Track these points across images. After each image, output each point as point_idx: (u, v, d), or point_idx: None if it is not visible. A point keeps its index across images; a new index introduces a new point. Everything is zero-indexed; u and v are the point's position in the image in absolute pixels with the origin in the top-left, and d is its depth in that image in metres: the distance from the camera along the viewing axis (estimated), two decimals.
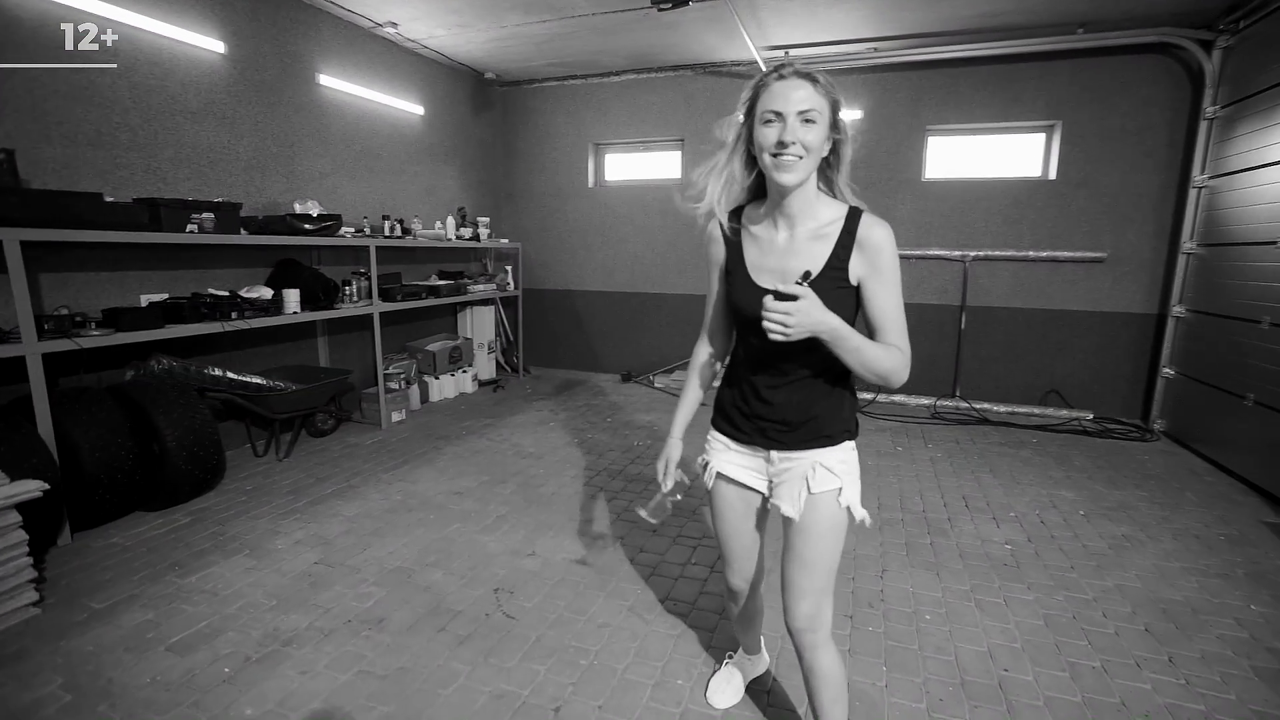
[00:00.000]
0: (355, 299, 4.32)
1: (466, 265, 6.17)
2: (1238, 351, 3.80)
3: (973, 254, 5.05)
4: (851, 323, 1.28)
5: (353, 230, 4.36)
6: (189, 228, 3.18)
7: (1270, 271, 3.56)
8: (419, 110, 5.32)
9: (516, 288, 6.14)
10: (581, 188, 6.28)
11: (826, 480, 1.36)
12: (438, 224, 5.34)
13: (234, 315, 3.39)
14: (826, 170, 1.32)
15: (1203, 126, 4.26)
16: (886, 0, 4.03)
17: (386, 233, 4.69)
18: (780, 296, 1.12)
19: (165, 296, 3.36)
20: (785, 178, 1.21)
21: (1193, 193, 4.34)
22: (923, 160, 5.16)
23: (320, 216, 3.98)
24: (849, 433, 1.41)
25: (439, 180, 5.69)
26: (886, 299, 1.27)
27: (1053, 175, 4.85)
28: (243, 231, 3.57)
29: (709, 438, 1.59)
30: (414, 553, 2.74)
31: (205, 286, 3.60)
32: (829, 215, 1.29)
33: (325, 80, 4.41)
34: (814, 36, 4.72)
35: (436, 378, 5.28)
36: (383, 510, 3.16)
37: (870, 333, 1.29)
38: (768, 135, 1.20)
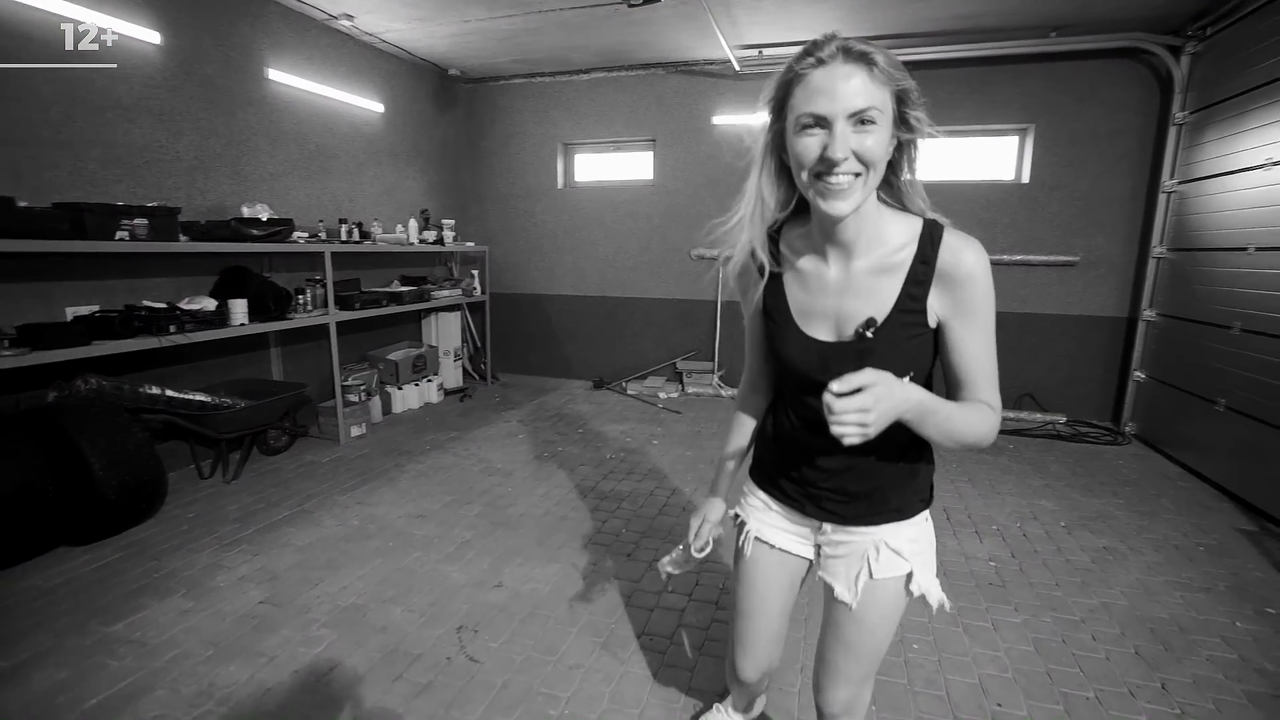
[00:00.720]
0: (310, 308, 4.07)
1: (431, 270, 5.92)
2: (1209, 356, 3.81)
3: None
4: (930, 373, 1.03)
5: (306, 235, 4.11)
6: (119, 235, 2.91)
7: (1240, 277, 3.57)
8: (378, 107, 5.07)
9: (484, 292, 5.92)
10: (550, 189, 6.09)
11: (893, 565, 1.11)
12: (399, 227, 5.09)
13: (172, 329, 3.13)
14: (889, 174, 0.98)
15: (1172, 132, 4.27)
16: (858, 0, 3.94)
17: (344, 237, 4.44)
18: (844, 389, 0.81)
19: (95, 309, 3.08)
20: (837, 206, 0.90)
21: (1162, 197, 4.36)
22: None
23: (270, 221, 3.72)
24: (924, 501, 1.15)
25: (400, 181, 5.44)
26: (977, 345, 0.97)
27: (1026, 179, 4.84)
28: (183, 238, 3.31)
29: (745, 490, 1.32)
30: (371, 587, 2.54)
31: (142, 297, 3.33)
32: (897, 237, 0.98)
33: (275, 75, 4.14)
34: (789, 36, 4.62)
35: (400, 388, 5.05)
36: (338, 538, 2.95)
37: (948, 383, 1.02)
38: (808, 149, 0.89)
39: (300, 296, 4.02)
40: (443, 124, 5.93)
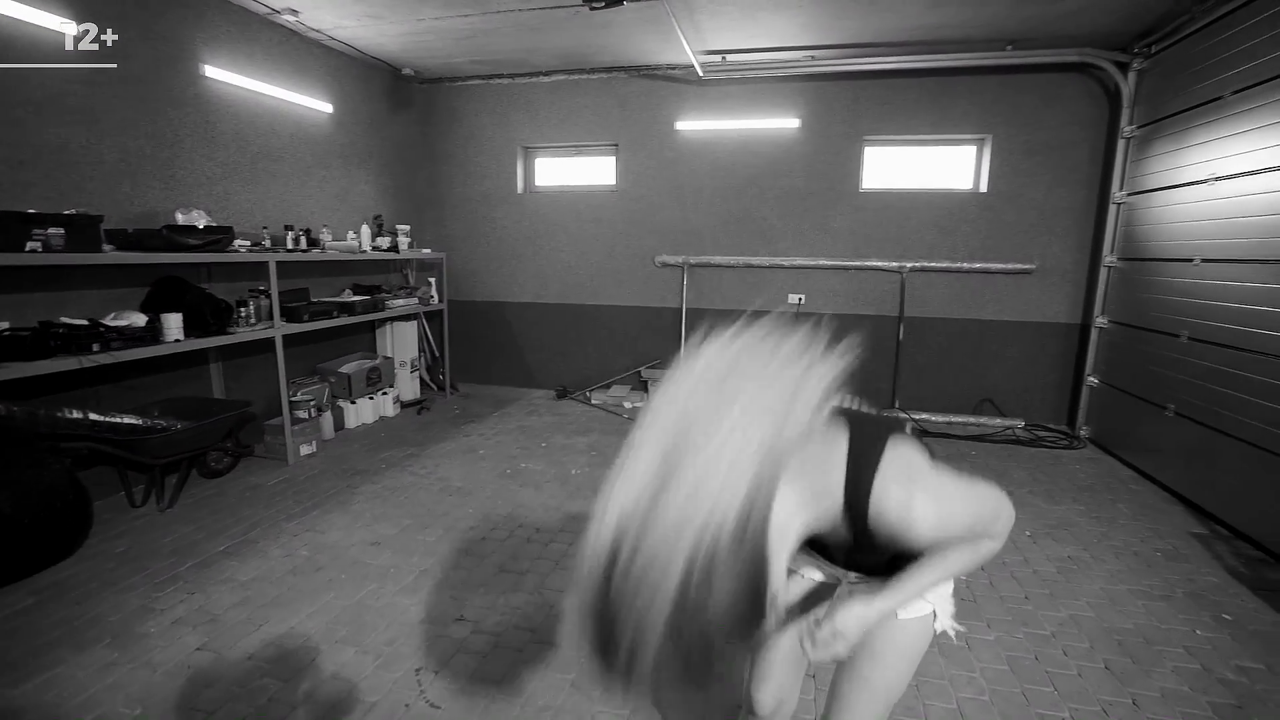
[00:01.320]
0: (253, 321, 3.82)
1: (385, 278, 5.68)
2: (1158, 363, 3.93)
3: (909, 265, 5.07)
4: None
5: (249, 243, 3.86)
6: (29, 246, 2.65)
7: (1187, 287, 3.69)
8: (326, 108, 4.82)
9: (441, 300, 5.71)
10: (510, 193, 5.92)
11: (916, 605, 1.12)
12: (350, 234, 4.85)
13: (95, 348, 2.86)
14: None
15: (1121, 145, 4.41)
16: (825, 8, 3.93)
17: (290, 245, 4.19)
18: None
19: (5, 327, 2.80)
20: None
21: (1113, 208, 4.49)
22: (860, 171, 5.13)
23: (208, 229, 3.47)
24: None
25: (351, 185, 5.20)
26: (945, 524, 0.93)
27: (984, 188, 4.93)
28: (108, 248, 3.04)
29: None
30: (321, 626, 2.36)
31: (61, 313, 3.04)
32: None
33: (213, 72, 3.87)
34: (752, 42, 4.58)
35: (353, 402, 4.81)
36: (285, 571, 2.74)
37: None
38: None
39: (243, 309, 3.76)
40: (396, 126, 5.69)
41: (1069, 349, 4.96)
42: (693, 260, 5.54)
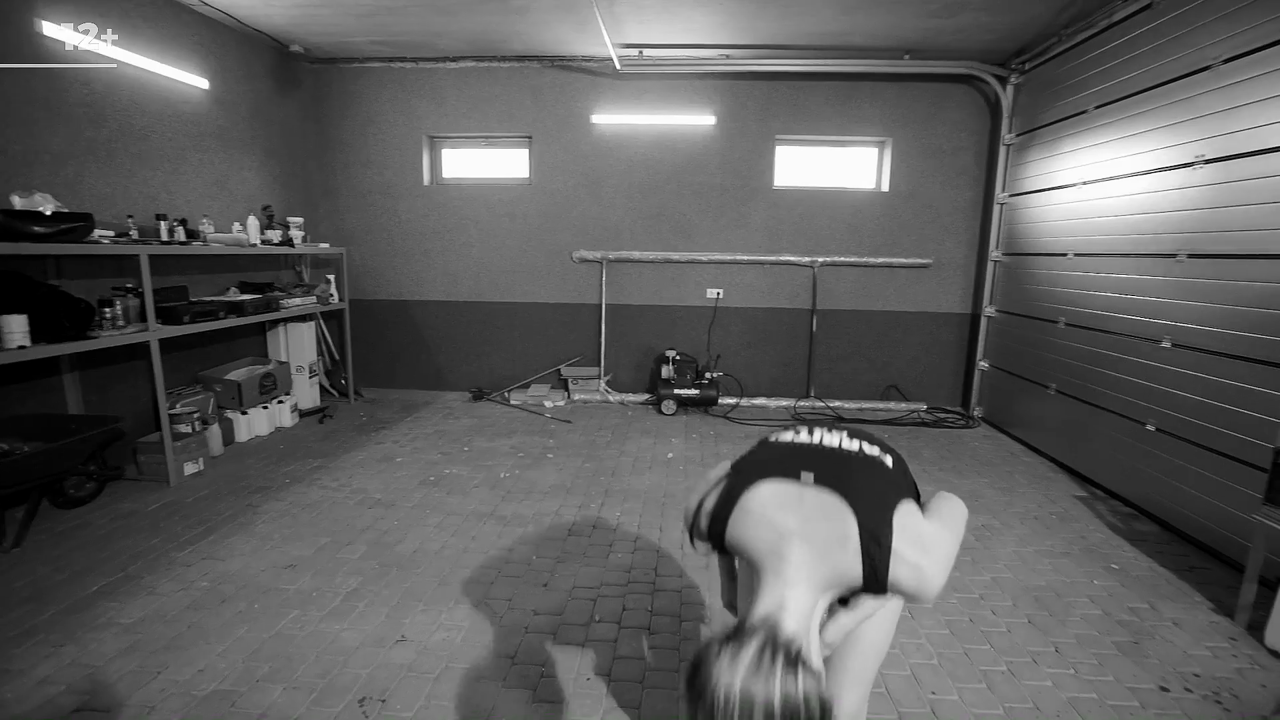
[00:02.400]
0: (122, 323, 3.30)
1: (277, 275, 5.15)
2: (1039, 347, 4.38)
3: (821, 260, 5.32)
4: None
5: (113, 234, 3.34)
6: None
7: (1062, 279, 4.14)
8: (201, 83, 4.27)
9: (342, 299, 5.26)
10: (415, 185, 5.57)
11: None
12: (236, 226, 4.34)
13: None
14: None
15: (1002, 151, 4.87)
16: (743, 6, 4.01)
17: (164, 237, 3.67)
18: None
19: None
20: None
21: (996, 208, 4.96)
22: (773, 168, 5.32)
23: (57, 215, 2.95)
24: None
25: (233, 172, 4.65)
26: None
27: (885, 188, 5.27)
28: None
29: None
30: (238, 664, 2.07)
31: None
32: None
33: (53, 30, 3.28)
34: (670, 37, 4.60)
35: (244, 412, 4.31)
36: (182, 607, 2.38)
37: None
38: None
39: (107, 309, 3.24)
40: (285, 108, 5.18)
41: (962, 337, 5.43)
42: (611, 256, 5.48)
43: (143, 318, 3.40)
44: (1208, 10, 3.01)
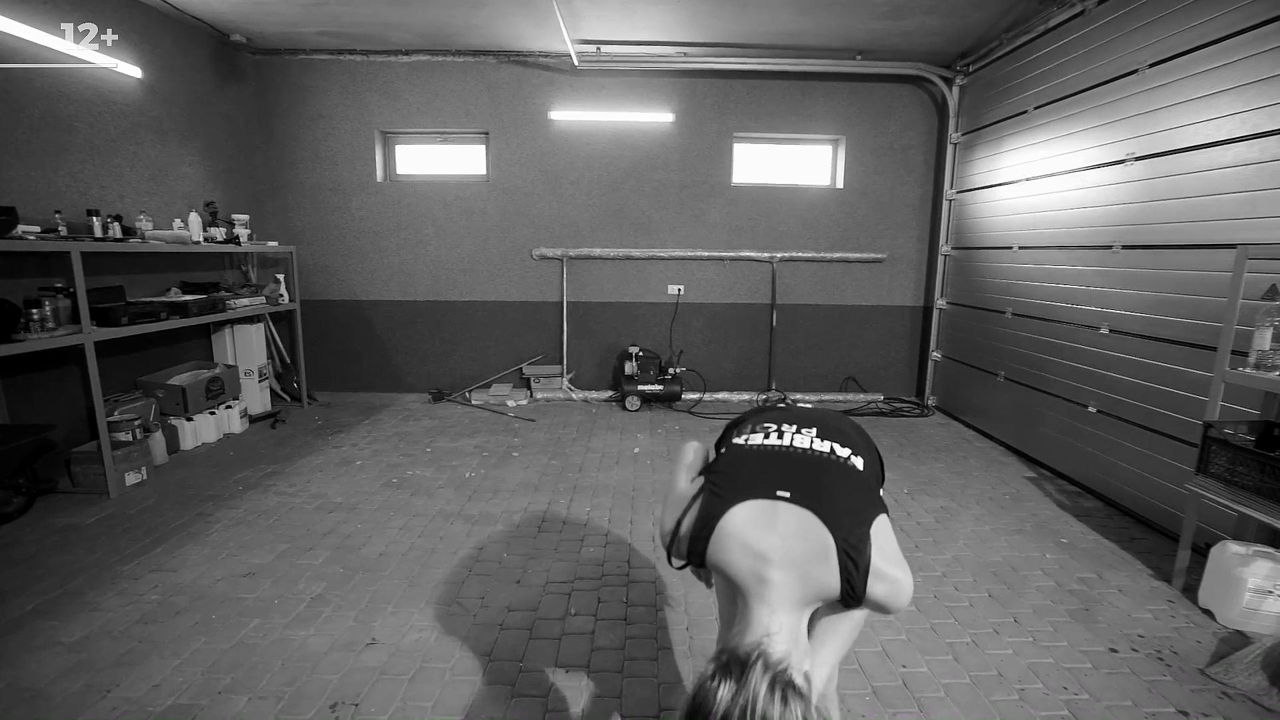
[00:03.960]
0: (51, 325, 3.09)
1: (222, 274, 4.91)
2: (989, 337, 4.58)
3: (779, 255, 5.42)
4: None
5: (39, 230, 3.12)
6: None
7: (1009, 271, 4.34)
8: (134, 71, 4.02)
9: (293, 299, 5.06)
10: (368, 182, 5.41)
11: None
12: (177, 222, 4.12)
13: None
14: None
15: (950, 149, 5.08)
16: (702, 4, 4.06)
17: (98, 233, 3.46)
18: None
19: None
20: None
21: (946, 204, 5.16)
22: (731, 165, 5.39)
23: None
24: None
25: (172, 166, 4.41)
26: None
27: (840, 185, 5.42)
28: None
29: None
30: (197, 677, 1.96)
31: None
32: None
33: None
34: (628, 34, 4.61)
35: (189, 419, 4.09)
36: (131, 622, 2.25)
37: None
38: None
39: (34, 310, 3.03)
40: (227, 100, 4.95)
41: (915, 329, 5.62)
42: (572, 253, 5.46)
43: (75, 319, 3.19)
44: (1134, 17, 3.22)
